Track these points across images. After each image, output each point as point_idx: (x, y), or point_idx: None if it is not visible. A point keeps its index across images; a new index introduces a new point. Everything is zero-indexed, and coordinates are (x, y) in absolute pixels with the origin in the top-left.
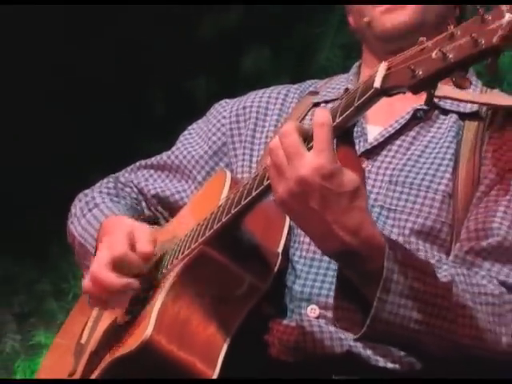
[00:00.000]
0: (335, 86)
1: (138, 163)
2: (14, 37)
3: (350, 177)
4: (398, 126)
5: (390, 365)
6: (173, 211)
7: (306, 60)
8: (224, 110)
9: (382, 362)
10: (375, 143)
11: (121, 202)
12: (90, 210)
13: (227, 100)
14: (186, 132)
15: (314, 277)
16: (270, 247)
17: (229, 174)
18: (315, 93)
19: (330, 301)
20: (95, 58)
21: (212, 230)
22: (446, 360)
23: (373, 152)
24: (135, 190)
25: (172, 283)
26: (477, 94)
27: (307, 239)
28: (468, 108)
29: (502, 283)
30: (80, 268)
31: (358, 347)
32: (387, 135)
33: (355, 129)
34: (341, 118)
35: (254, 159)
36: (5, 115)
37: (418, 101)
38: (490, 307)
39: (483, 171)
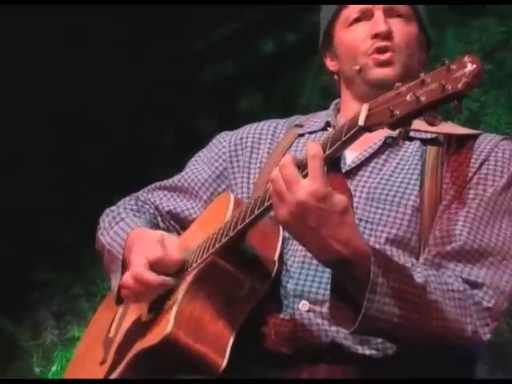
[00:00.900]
0: (317, 120)
1: (153, 185)
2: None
3: (339, 198)
4: (372, 151)
5: (367, 351)
6: (183, 225)
7: (291, 101)
8: (224, 140)
9: (360, 349)
10: (353, 165)
11: (141, 216)
12: (117, 223)
13: (227, 132)
14: (193, 159)
15: (304, 277)
16: (267, 256)
17: (232, 196)
18: (300, 126)
19: (318, 297)
20: (121, 100)
21: (221, 243)
22: (417, 347)
23: (351, 173)
24: (152, 206)
25: (187, 287)
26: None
27: (299, 247)
28: (429, 135)
29: (465, 280)
30: (106, 273)
31: (341, 337)
32: (363, 158)
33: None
34: (330, 150)
35: (251, 181)
36: (45, 140)
37: (387, 131)
38: (456, 301)
39: (444, 189)
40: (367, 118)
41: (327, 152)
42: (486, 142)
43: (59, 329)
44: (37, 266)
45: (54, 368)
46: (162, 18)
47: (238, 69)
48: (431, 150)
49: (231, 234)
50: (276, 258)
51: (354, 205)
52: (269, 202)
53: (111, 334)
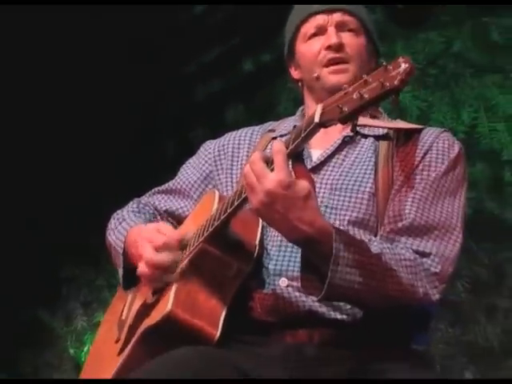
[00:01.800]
0: (287, 124)
1: (153, 190)
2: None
3: (302, 185)
4: (333, 149)
5: (339, 316)
6: (179, 221)
7: (270, 111)
8: (209, 147)
9: (333, 314)
10: (318, 162)
11: (141, 216)
12: (120, 223)
13: (211, 140)
14: (184, 165)
15: (282, 258)
16: (250, 241)
17: (217, 193)
18: (273, 130)
19: (295, 274)
20: (129, 117)
21: (208, 232)
22: (379, 309)
23: (317, 168)
24: (152, 207)
25: (183, 271)
26: (386, 122)
27: (276, 233)
28: (381, 132)
29: (415, 251)
30: (114, 266)
31: (316, 306)
32: (326, 155)
33: (304, 153)
34: (293, 146)
35: (234, 180)
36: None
37: (346, 130)
38: (408, 269)
39: (395, 176)
40: (321, 115)
41: (290, 147)
42: (429, 134)
43: (87, 316)
44: (64, 265)
45: (85, 348)
46: (159, 47)
47: (223, 86)
48: (383, 144)
49: (216, 224)
50: (257, 242)
51: (321, 194)
52: (245, 194)
53: (123, 317)
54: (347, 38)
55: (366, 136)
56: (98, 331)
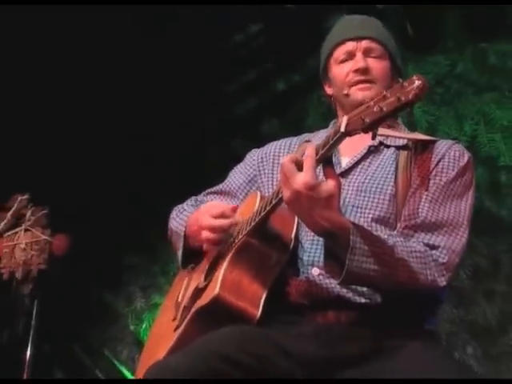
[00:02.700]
0: (321, 135)
1: (207, 190)
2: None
3: (325, 188)
4: (360, 156)
5: (363, 300)
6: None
7: (300, 124)
8: (253, 155)
9: (358, 299)
10: (346, 167)
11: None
12: (181, 213)
13: (255, 149)
14: (233, 170)
15: (314, 250)
16: (286, 235)
17: (259, 194)
18: (308, 141)
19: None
20: (181, 128)
21: (251, 227)
22: (391, 293)
23: (345, 173)
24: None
25: (229, 260)
26: (406, 134)
27: (307, 229)
28: (401, 143)
29: (426, 244)
30: (174, 250)
31: (343, 292)
32: (353, 162)
33: (334, 160)
34: (322, 151)
35: (274, 183)
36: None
37: (371, 141)
38: (418, 259)
39: (412, 180)
40: (347, 125)
41: (320, 153)
42: (442, 145)
43: (145, 298)
44: (126, 254)
45: (143, 325)
46: (207, 69)
47: (259, 103)
48: (402, 154)
49: (257, 220)
50: (292, 236)
51: (348, 195)
52: (281, 195)
53: (179, 299)
54: (373, 62)
55: (388, 146)
56: (160, 310)
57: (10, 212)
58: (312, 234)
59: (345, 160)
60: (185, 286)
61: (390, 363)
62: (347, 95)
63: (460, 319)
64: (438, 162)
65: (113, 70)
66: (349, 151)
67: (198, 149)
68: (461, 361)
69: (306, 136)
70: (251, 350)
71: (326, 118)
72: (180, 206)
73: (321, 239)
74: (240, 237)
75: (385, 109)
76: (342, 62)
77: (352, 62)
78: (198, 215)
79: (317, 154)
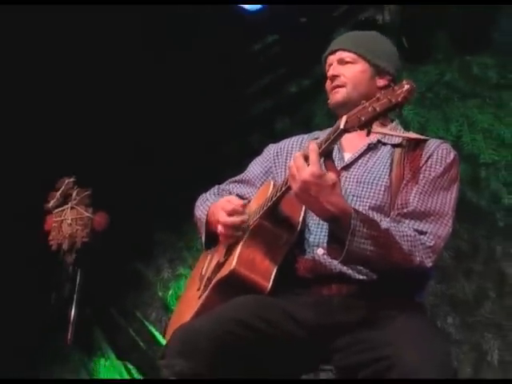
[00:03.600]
0: (327, 133)
1: (229, 180)
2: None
3: (330, 176)
4: (360, 152)
5: (361, 276)
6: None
7: (308, 122)
8: (270, 149)
9: (357, 275)
10: (348, 162)
11: (219, 197)
12: (204, 202)
13: (272, 144)
14: (252, 162)
15: (319, 233)
16: (295, 218)
17: (272, 182)
18: (317, 138)
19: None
20: (207, 125)
21: (263, 210)
22: (385, 271)
23: (347, 166)
24: (227, 192)
25: (245, 239)
26: (400, 133)
27: (314, 215)
28: (396, 141)
29: (416, 230)
30: (198, 234)
31: (344, 269)
32: (354, 157)
33: (337, 156)
34: (324, 146)
35: (287, 174)
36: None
37: (370, 139)
38: (409, 242)
39: (405, 174)
40: (345, 123)
41: (322, 147)
42: (432, 143)
43: (171, 269)
44: (157, 231)
45: (170, 292)
46: (229, 73)
47: (274, 103)
48: (397, 150)
49: (269, 204)
50: (300, 219)
51: (349, 186)
52: (289, 183)
53: (203, 272)
54: (344, 69)
55: (385, 144)
56: (187, 282)
57: (59, 192)
58: (317, 218)
59: (347, 155)
60: (208, 261)
61: (382, 331)
62: (330, 101)
63: (442, 293)
64: (428, 158)
65: (157, 66)
66: (351, 148)
67: (221, 143)
68: (442, 329)
69: (315, 133)
70: (263, 315)
71: (332, 117)
72: (204, 195)
73: (325, 223)
74: (255, 219)
75: (378, 109)
76: (328, 71)
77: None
78: (215, 209)
79: (320, 148)
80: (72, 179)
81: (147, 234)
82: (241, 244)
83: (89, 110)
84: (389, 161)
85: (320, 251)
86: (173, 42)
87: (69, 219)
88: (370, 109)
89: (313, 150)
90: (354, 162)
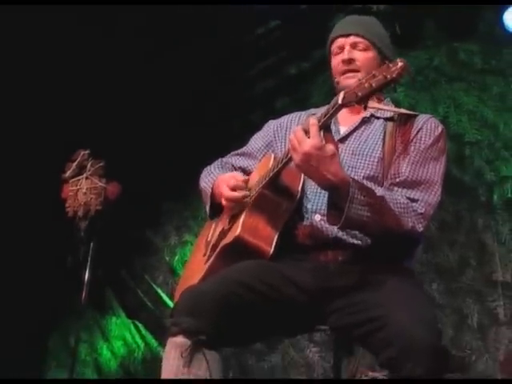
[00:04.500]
0: (322, 110)
1: (231, 153)
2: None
3: (329, 148)
4: (355, 126)
5: (355, 242)
6: (248, 174)
7: (306, 101)
8: (270, 124)
9: (351, 240)
10: (344, 135)
11: (223, 170)
12: (209, 175)
13: (272, 120)
14: (253, 136)
15: (317, 200)
16: (294, 187)
17: (273, 155)
18: (313, 114)
19: (326, 212)
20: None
21: (265, 180)
22: (380, 236)
23: (343, 139)
24: (230, 165)
25: (248, 208)
26: (393, 108)
27: (312, 183)
28: (388, 115)
29: (408, 198)
30: (203, 203)
31: (340, 234)
32: (349, 130)
33: (334, 129)
34: (323, 120)
35: (286, 147)
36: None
37: (364, 113)
38: (402, 209)
39: (397, 146)
40: (343, 98)
41: (321, 121)
42: (421, 118)
43: (178, 236)
44: (165, 200)
45: (176, 257)
46: (233, 58)
47: (275, 84)
48: (389, 124)
49: (271, 175)
50: (299, 188)
51: (345, 157)
52: (289, 156)
53: (209, 239)
54: (358, 54)
55: (378, 118)
56: (194, 248)
57: (75, 163)
58: (315, 186)
59: (343, 129)
60: (213, 228)
61: (374, 293)
62: (337, 82)
63: (428, 261)
64: (418, 131)
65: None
66: (346, 122)
67: (225, 119)
68: (427, 294)
69: (311, 110)
70: (264, 278)
71: (328, 96)
72: (208, 167)
73: (323, 192)
74: (257, 189)
75: (374, 85)
76: (336, 54)
77: (341, 55)
78: (219, 182)
79: (319, 122)
80: (87, 151)
81: (156, 203)
82: (244, 212)
83: (101, 90)
84: (382, 133)
85: (317, 217)
86: (184, 27)
87: (84, 188)
88: (366, 85)
89: (313, 123)
90: (349, 135)
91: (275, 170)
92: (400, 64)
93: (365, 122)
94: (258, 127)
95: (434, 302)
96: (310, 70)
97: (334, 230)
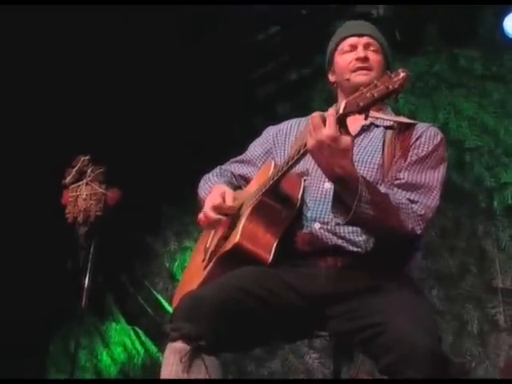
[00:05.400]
0: None
1: (230, 160)
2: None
3: (343, 140)
4: (354, 134)
5: (355, 249)
6: (247, 181)
7: (307, 106)
8: (270, 131)
9: (351, 248)
10: None
11: (222, 178)
12: (206, 183)
13: (271, 126)
14: (253, 143)
15: (317, 208)
16: (294, 195)
17: (273, 163)
18: None
19: (325, 220)
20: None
21: (265, 188)
22: (382, 235)
23: None
24: (230, 172)
25: (248, 214)
26: (393, 117)
27: (313, 191)
28: (388, 124)
29: (408, 199)
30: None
31: (339, 242)
32: None
33: None
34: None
35: (286, 154)
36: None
37: (363, 121)
38: (403, 210)
39: (396, 153)
40: (344, 108)
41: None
42: (421, 127)
43: (178, 242)
44: (165, 206)
45: (176, 263)
46: (236, 63)
47: (276, 89)
48: (389, 132)
49: (271, 183)
50: (299, 197)
51: None
52: (289, 164)
53: (207, 245)
54: (371, 54)
55: (377, 126)
56: (192, 253)
57: (75, 169)
58: (315, 194)
59: None
60: (212, 234)
61: (374, 300)
62: (348, 80)
63: (428, 268)
64: (417, 139)
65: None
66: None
67: (226, 124)
68: (427, 300)
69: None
70: (263, 284)
71: (328, 102)
72: (207, 175)
73: (322, 199)
74: (257, 196)
75: (375, 95)
76: (346, 52)
77: (354, 53)
78: (207, 196)
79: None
80: (87, 157)
81: (156, 208)
82: (244, 219)
83: (100, 96)
84: (381, 141)
85: (317, 225)
86: (186, 32)
87: (84, 194)
88: (368, 94)
89: (331, 114)
90: None
91: (275, 178)
92: (402, 75)
93: (364, 130)
94: (258, 132)
95: (434, 308)
96: (310, 76)
97: (333, 238)
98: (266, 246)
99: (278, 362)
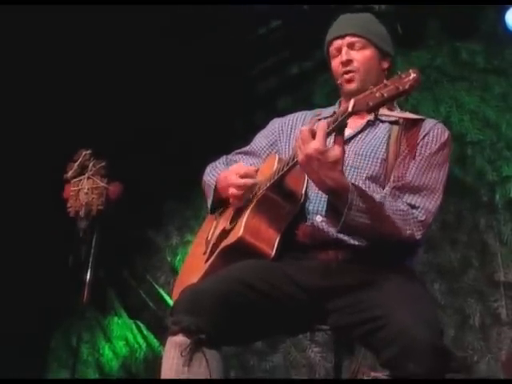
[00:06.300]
0: (329, 110)
1: (235, 151)
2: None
3: (333, 153)
4: (360, 129)
5: (356, 242)
6: None
7: (308, 100)
8: (275, 123)
9: (352, 241)
10: (348, 137)
11: (227, 167)
12: (213, 169)
13: (277, 118)
14: (258, 134)
15: (318, 202)
16: (298, 190)
17: (277, 156)
18: (319, 114)
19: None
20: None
21: (269, 183)
22: (378, 241)
23: (347, 141)
24: (235, 162)
25: (251, 208)
26: (399, 113)
27: (313, 184)
28: (393, 119)
29: (409, 204)
30: (205, 199)
31: (341, 235)
32: (354, 133)
33: None
34: (333, 126)
35: (291, 147)
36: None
37: (369, 116)
38: (401, 216)
39: (401, 150)
40: (353, 107)
41: (331, 127)
42: (428, 123)
43: (179, 236)
44: (167, 200)
45: (178, 257)
46: (237, 57)
47: (277, 83)
48: (394, 127)
49: (276, 178)
50: (303, 191)
51: (348, 158)
52: (295, 160)
53: (209, 238)
54: (355, 54)
55: (383, 121)
56: (192, 245)
57: (77, 163)
58: (317, 190)
59: (347, 131)
60: (213, 227)
61: (375, 293)
62: (340, 84)
63: (429, 262)
64: (424, 136)
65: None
66: (351, 124)
67: (229, 118)
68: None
69: (317, 110)
70: (264, 277)
71: (330, 96)
72: (213, 163)
73: (324, 195)
74: (261, 191)
75: (385, 95)
76: (334, 57)
77: (339, 56)
78: (226, 174)
79: (328, 127)
80: (89, 151)
81: (158, 203)
82: (247, 213)
83: (102, 90)
84: (386, 136)
85: (318, 218)
86: (185, 27)
87: (85, 188)
88: (377, 94)
89: (321, 128)
90: (353, 137)
91: (280, 174)
92: (413, 75)
93: (369, 125)
94: (259, 127)
95: (436, 302)
96: (311, 70)
97: (334, 231)
98: (269, 240)
99: (280, 355)
